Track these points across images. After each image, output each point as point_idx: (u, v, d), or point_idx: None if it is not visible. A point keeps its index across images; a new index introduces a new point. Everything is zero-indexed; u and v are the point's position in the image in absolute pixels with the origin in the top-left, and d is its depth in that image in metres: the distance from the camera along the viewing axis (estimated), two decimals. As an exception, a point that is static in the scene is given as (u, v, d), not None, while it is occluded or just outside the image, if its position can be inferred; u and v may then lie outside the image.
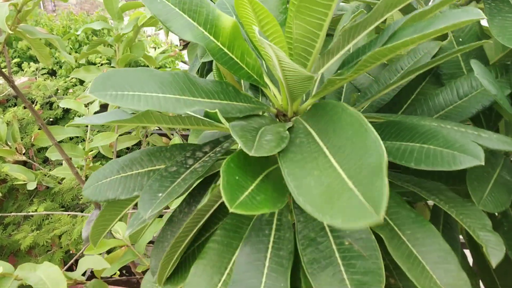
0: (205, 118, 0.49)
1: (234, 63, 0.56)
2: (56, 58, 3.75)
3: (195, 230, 0.63)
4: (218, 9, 0.56)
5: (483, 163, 0.43)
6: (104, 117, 0.58)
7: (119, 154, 1.58)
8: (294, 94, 0.55)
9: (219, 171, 0.63)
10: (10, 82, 1.17)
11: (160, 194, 0.53)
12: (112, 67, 1.53)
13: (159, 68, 1.69)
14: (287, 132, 0.48)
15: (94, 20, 3.93)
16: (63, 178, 1.80)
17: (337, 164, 0.41)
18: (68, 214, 1.65)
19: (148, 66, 1.66)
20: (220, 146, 0.60)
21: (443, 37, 0.73)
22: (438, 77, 0.74)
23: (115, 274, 1.50)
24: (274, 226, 0.58)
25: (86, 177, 1.42)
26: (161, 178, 0.55)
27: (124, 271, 1.65)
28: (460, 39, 0.71)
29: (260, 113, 0.57)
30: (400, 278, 0.59)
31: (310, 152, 0.44)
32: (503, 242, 0.50)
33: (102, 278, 1.27)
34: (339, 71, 0.58)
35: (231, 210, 0.40)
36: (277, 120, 0.61)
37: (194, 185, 0.64)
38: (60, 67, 3.72)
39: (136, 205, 0.68)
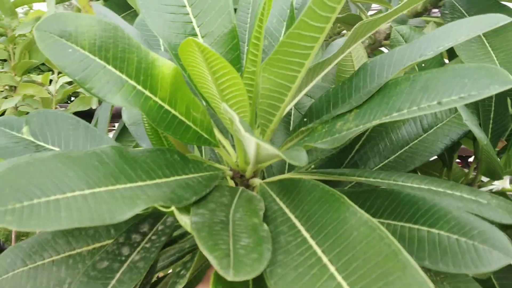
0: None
1: (178, 124, 0.43)
2: None
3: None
4: (151, 52, 0.41)
5: (512, 261, 0.35)
6: None
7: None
8: (260, 161, 0.44)
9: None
10: None
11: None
12: (5, 72, 1.28)
13: (59, 73, 1.46)
14: (266, 226, 0.37)
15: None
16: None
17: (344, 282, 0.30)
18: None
19: (52, 71, 1.42)
20: (162, 223, 0.47)
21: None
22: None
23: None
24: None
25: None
26: (88, 282, 0.41)
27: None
28: (423, 65, 0.64)
29: (216, 183, 0.44)
30: None
31: (306, 265, 0.33)
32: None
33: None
34: (303, 123, 0.47)
35: None
36: (233, 183, 0.49)
37: None
38: None
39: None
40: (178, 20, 0.46)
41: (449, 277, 0.48)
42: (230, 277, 0.30)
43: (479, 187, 0.68)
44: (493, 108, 0.63)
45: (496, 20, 0.41)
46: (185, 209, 0.38)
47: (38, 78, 1.48)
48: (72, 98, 2.06)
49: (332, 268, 0.32)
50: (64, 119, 0.57)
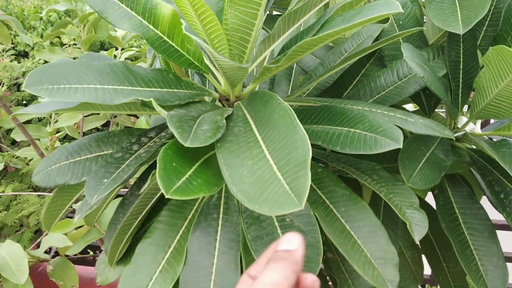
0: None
1: (173, 51, 0.57)
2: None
3: (143, 213, 0.65)
4: (157, -3, 0.57)
5: (400, 146, 0.46)
6: (47, 106, 0.59)
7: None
8: (232, 82, 0.57)
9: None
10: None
11: (105, 180, 0.55)
12: (78, 48, 1.51)
13: (122, 49, 1.67)
14: (224, 121, 0.50)
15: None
16: (31, 159, 1.79)
17: (269, 156, 0.44)
18: (36, 195, 1.65)
19: (116, 48, 1.65)
20: (165, 131, 0.62)
21: (385, 19, 0.76)
22: (380, 59, 0.77)
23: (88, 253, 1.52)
24: (221, 210, 0.60)
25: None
26: (106, 164, 0.57)
27: (97, 251, 1.67)
28: (401, 22, 0.74)
29: (204, 99, 0.59)
30: (338, 252, 0.63)
31: (246, 142, 0.46)
32: (427, 219, 0.54)
33: (67, 256, 1.29)
34: (277, 57, 0.60)
35: (166, 196, 0.42)
36: (221, 105, 0.63)
37: (143, 170, 0.66)
38: (32, 48, 3.64)
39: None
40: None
41: (389, 184, 0.59)
42: (187, 144, 0.44)
43: (455, 132, 0.77)
44: (461, 59, 0.72)
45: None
46: (169, 108, 0.53)
47: (104, 53, 1.70)
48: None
49: (261, 142, 0.45)
50: (106, 59, 0.74)
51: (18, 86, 2.33)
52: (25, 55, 3.70)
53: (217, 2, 0.63)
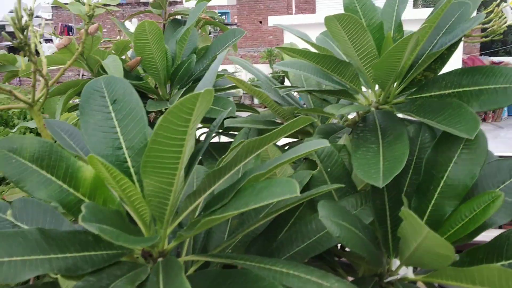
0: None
1: (95, 213, 0.58)
2: None
3: None
4: (79, 161, 0.59)
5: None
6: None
7: None
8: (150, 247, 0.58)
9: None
10: None
11: None
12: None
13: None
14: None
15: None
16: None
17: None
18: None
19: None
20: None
21: (316, 165, 0.79)
22: (312, 203, 0.79)
23: None
24: None
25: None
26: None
27: None
28: (329, 169, 0.77)
29: (117, 261, 0.59)
30: None
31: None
32: None
33: None
34: (194, 220, 0.61)
35: None
36: (144, 261, 0.63)
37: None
38: None
39: None
40: (108, 138, 0.64)
41: None
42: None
43: (389, 276, 0.77)
44: (387, 207, 0.74)
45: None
46: (81, 276, 0.52)
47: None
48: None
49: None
50: (38, 205, 0.74)
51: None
52: None
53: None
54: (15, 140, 0.56)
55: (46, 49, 1.09)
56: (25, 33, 0.55)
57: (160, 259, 0.62)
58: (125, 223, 0.57)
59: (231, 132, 1.25)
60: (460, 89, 0.82)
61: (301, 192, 0.67)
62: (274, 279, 0.54)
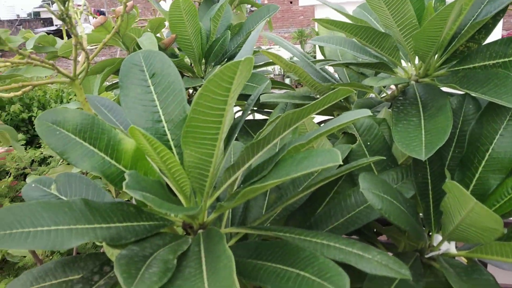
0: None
1: (136, 185, 0.59)
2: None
3: None
4: (120, 133, 0.59)
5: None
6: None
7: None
8: (193, 216, 0.58)
9: None
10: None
11: (62, 315, 0.54)
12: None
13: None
14: (174, 261, 0.51)
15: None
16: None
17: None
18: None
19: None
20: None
21: (355, 139, 0.78)
22: (351, 177, 0.78)
23: None
24: None
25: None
26: (65, 298, 0.57)
27: None
28: (368, 143, 0.76)
29: (159, 232, 0.59)
30: None
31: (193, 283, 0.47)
32: None
33: None
34: (235, 191, 0.61)
35: None
36: (184, 233, 0.64)
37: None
38: None
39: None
40: (148, 111, 0.64)
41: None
42: (130, 290, 0.45)
43: (431, 251, 0.76)
44: (429, 181, 0.72)
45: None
46: (124, 245, 0.53)
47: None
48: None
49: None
50: (80, 179, 0.76)
51: (25, 176, 2.38)
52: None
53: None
54: (58, 113, 0.57)
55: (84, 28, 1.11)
56: (66, 5, 0.55)
57: (200, 231, 0.62)
58: (166, 193, 0.58)
59: (265, 110, 1.24)
60: (506, 59, 0.79)
61: (340, 166, 0.67)
62: (314, 250, 0.54)
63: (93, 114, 0.58)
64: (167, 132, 0.64)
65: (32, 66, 0.91)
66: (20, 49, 1.14)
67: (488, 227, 0.59)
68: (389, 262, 0.55)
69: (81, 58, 0.61)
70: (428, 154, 0.67)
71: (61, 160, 2.17)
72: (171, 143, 0.64)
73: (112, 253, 0.50)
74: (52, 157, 2.44)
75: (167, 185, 0.63)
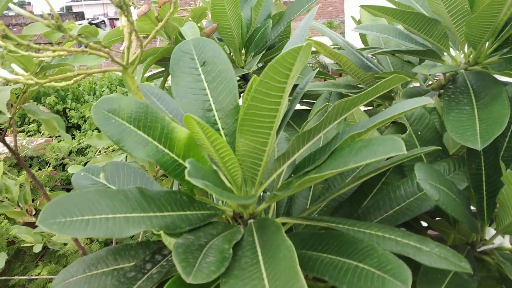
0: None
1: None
2: (81, 113, 3.93)
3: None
4: (172, 122, 0.59)
5: (408, 287, 0.44)
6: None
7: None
8: (243, 206, 0.58)
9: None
10: (15, 155, 1.22)
11: (116, 304, 0.55)
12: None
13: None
14: (230, 251, 0.50)
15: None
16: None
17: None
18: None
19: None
20: (179, 248, 0.62)
21: (404, 129, 0.76)
22: (400, 168, 0.76)
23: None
24: None
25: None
26: (119, 285, 0.57)
27: None
28: (419, 133, 0.74)
29: (212, 221, 0.59)
30: None
31: (251, 279, 0.46)
32: None
33: None
34: (290, 178, 0.61)
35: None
36: (235, 222, 0.64)
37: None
38: (85, 121, 3.88)
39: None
40: (199, 99, 0.64)
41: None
42: (189, 280, 0.45)
43: (483, 245, 0.73)
44: (483, 172, 0.70)
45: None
46: (179, 234, 0.53)
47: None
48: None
49: (266, 281, 0.45)
50: (128, 168, 0.76)
51: (63, 166, 2.44)
52: (77, 127, 3.93)
53: (232, 124, 0.65)
54: (114, 101, 0.57)
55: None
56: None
57: (250, 221, 0.62)
58: (222, 182, 0.57)
59: (305, 100, 1.23)
60: None
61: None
62: (371, 242, 0.52)
63: (146, 102, 0.58)
64: (218, 121, 0.63)
65: (81, 55, 0.93)
66: (62, 42, 1.16)
67: (551, 220, 0.56)
68: (448, 255, 0.53)
69: (124, 46, 0.61)
70: (484, 144, 0.65)
71: (98, 150, 2.21)
72: (222, 131, 0.63)
73: (170, 242, 0.50)
74: (90, 147, 2.49)
75: (218, 174, 0.63)
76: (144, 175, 0.76)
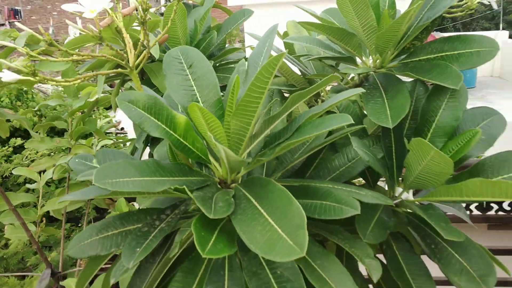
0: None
1: (188, 149, 0.77)
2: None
3: (161, 276, 0.81)
4: (173, 111, 0.77)
5: (359, 212, 0.67)
6: (88, 193, 0.76)
7: (69, 216, 1.69)
8: (232, 169, 0.78)
9: (179, 228, 0.83)
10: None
11: (138, 249, 0.72)
12: (65, 138, 1.66)
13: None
14: (232, 199, 0.70)
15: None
16: (6, 244, 1.86)
17: (273, 223, 0.63)
18: (14, 276, 1.71)
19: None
20: (178, 209, 0.80)
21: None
22: (333, 146, 1.00)
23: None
24: (226, 268, 0.78)
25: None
26: (137, 238, 0.74)
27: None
28: (347, 118, 0.98)
29: (208, 184, 0.78)
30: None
31: (253, 214, 0.66)
32: (380, 265, 0.75)
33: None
34: (263, 151, 0.81)
35: (203, 256, 0.60)
36: (220, 187, 0.83)
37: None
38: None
39: (110, 259, 0.86)
40: (188, 94, 0.82)
41: (351, 241, 0.80)
42: (211, 216, 0.63)
43: (394, 200, 1.00)
44: (393, 145, 0.96)
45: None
46: (191, 191, 0.72)
47: (83, 141, 1.87)
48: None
49: (265, 214, 0.65)
50: (118, 153, 0.92)
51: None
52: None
53: (215, 112, 0.84)
54: (131, 94, 0.74)
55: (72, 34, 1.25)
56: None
57: (233, 185, 0.82)
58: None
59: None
60: (443, 54, 1.05)
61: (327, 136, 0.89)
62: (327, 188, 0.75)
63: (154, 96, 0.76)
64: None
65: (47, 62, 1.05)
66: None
67: (441, 172, 0.83)
68: (378, 196, 0.78)
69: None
70: (394, 123, 0.91)
71: (25, 156, 2.23)
72: (208, 118, 0.82)
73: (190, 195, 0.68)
74: (17, 154, 2.47)
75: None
76: (128, 155, 0.92)
